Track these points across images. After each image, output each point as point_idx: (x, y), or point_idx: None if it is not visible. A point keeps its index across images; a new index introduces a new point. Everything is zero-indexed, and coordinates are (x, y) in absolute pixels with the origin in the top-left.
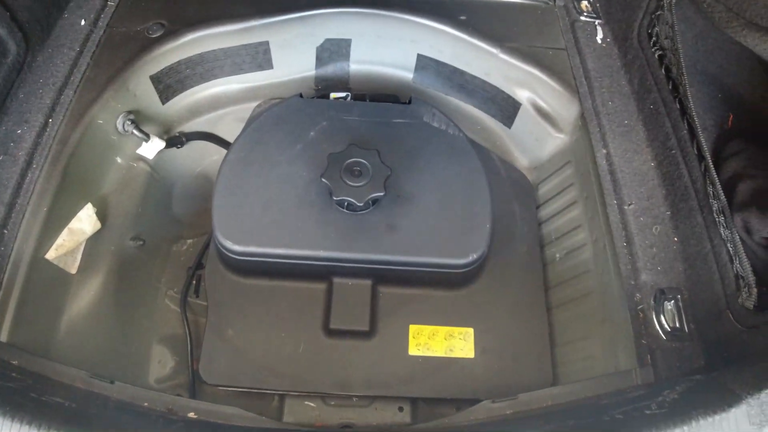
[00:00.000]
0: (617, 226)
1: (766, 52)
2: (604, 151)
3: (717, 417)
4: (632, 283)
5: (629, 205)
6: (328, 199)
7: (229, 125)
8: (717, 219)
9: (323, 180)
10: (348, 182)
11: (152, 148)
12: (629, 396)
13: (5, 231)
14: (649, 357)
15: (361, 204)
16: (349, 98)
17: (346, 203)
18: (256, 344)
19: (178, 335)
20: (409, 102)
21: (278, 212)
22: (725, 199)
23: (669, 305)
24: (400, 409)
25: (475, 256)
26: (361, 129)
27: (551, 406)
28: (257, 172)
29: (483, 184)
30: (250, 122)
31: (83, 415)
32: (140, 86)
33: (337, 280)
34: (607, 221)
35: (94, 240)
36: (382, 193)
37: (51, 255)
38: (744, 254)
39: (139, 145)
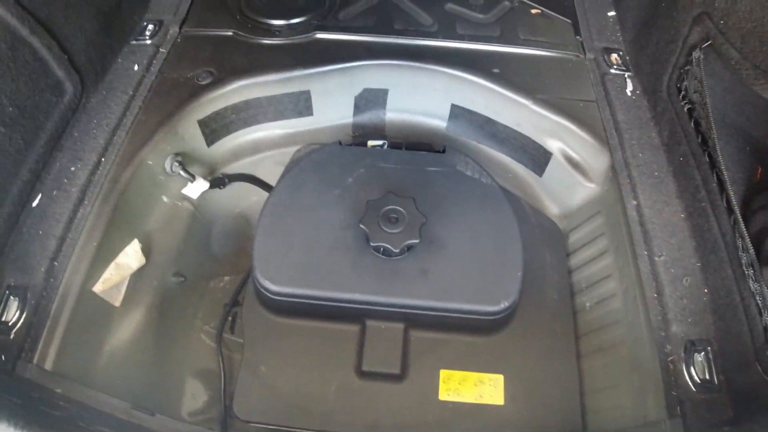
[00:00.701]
0: (648, 276)
1: None
2: (635, 202)
3: None
4: (663, 334)
5: (660, 256)
6: (364, 245)
7: (270, 168)
8: (746, 272)
9: (361, 226)
10: (385, 229)
11: (197, 188)
12: None
13: (56, 263)
14: (678, 408)
15: (397, 250)
16: (385, 146)
17: (382, 249)
18: (289, 382)
19: (212, 370)
20: (443, 151)
21: (316, 255)
22: (754, 252)
23: (699, 357)
24: None
25: (506, 303)
26: (398, 176)
27: None
28: (297, 215)
29: (515, 231)
30: (290, 166)
31: None
32: (188, 130)
33: (370, 322)
34: (638, 271)
35: (138, 275)
36: (417, 241)
37: (98, 288)
38: None
39: (185, 185)
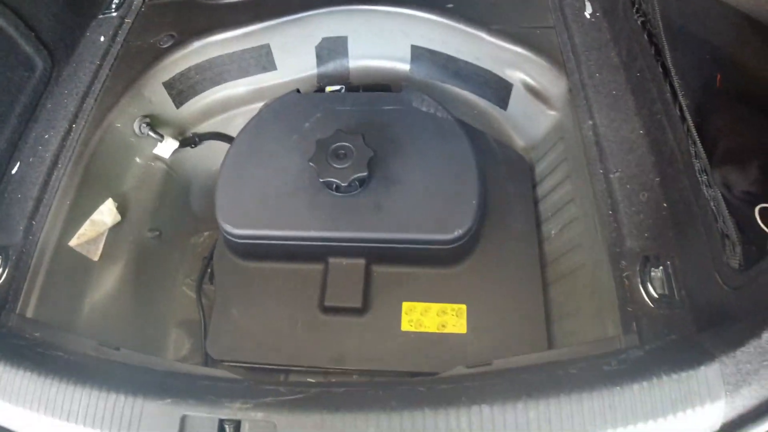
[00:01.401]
0: (602, 194)
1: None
2: (590, 122)
3: (684, 374)
4: (617, 250)
5: (615, 173)
6: (318, 183)
7: (240, 125)
8: (700, 179)
9: (310, 163)
10: (333, 164)
11: (167, 147)
12: (593, 355)
13: (33, 222)
14: (634, 324)
15: (346, 184)
16: (343, 90)
17: (333, 185)
18: (257, 323)
19: (194, 320)
20: (400, 90)
21: (274, 197)
22: (706, 158)
23: (657, 272)
24: None
25: (461, 231)
26: (351, 117)
27: (519, 369)
28: (256, 162)
29: (470, 161)
30: (252, 118)
31: (80, 364)
32: (155, 93)
33: (332, 260)
34: (594, 191)
35: (114, 231)
36: (365, 173)
37: (74, 242)
38: (726, 211)
39: (156, 146)
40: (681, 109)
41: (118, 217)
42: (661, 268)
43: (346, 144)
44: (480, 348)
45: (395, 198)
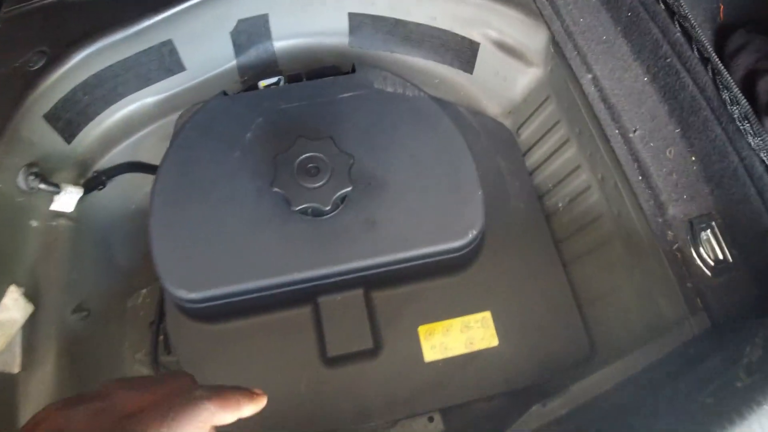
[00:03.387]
0: (626, 159)
1: None
2: (590, 75)
3: None
4: (660, 220)
5: (634, 131)
6: (286, 210)
7: (155, 147)
8: (741, 127)
9: (275, 189)
10: (305, 184)
11: (68, 199)
12: (702, 363)
13: None
14: (699, 300)
15: (328, 207)
16: (282, 83)
17: (310, 210)
18: None
19: None
20: (353, 70)
21: (231, 240)
22: (747, 103)
23: (705, 235)
24: (430, 419)
25: (474, 231)
26: (306, 115)
27: (612, 393)
28: (195, 196)
29: (461, 145)
30: (173, 138)
31: None
32: (36, 131)
33: (322, 299)
34: (613, 155)
35: (30, 326)
36: (349, 188)
37: None
38: None
39: (52, 200)
40: (700, 49)
41: (30, 307)
42: (708, 230)
43: (316, 154)
44: (518, 358)
45: (388, 209)
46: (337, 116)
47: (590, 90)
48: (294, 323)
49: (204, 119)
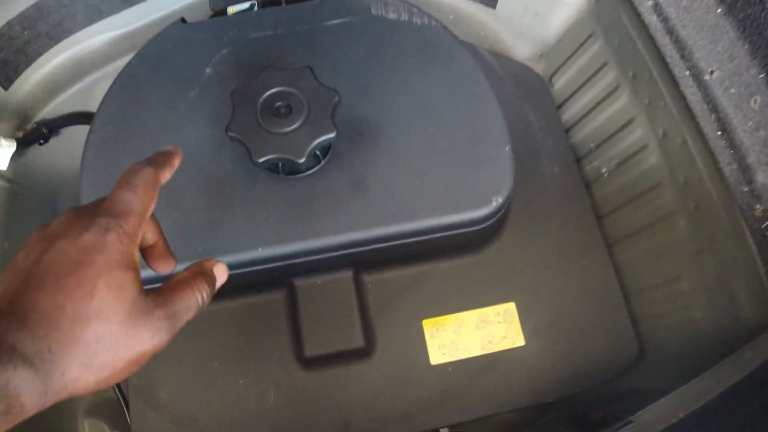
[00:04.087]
0: (701, 107)
1: None
2: (650, 2)
3: None
4: (745, 189)
5: (710, 73)
6: (251, 166)
7: None
8: None
9: (231, 134)
10: (272, 129)
11: (0, 154)
12: None
13: None
14: None
15: (303, 159)
16: (255, 8)
17: (280, 164)
18: (203, 407)
19: (109, 398)
20: None
21: (179, 205)
22: None
23: None
24: None
25: (500, 199)
26: (282, 47)
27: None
28: (136, 149)
29: (483, 87)
30: (117, 77)
31: None
32: None
33: (299, 282)
34: (682, 103)
35: None
36: (332, 134)
37: None
38: None
39: None
40: None
41: None
42: None
43: (287, 89)
44: (549, 363)
45: (385, 166)
46: (322, 48)
47: (652, 20)
48: (261, 312)
49: (155, 51)
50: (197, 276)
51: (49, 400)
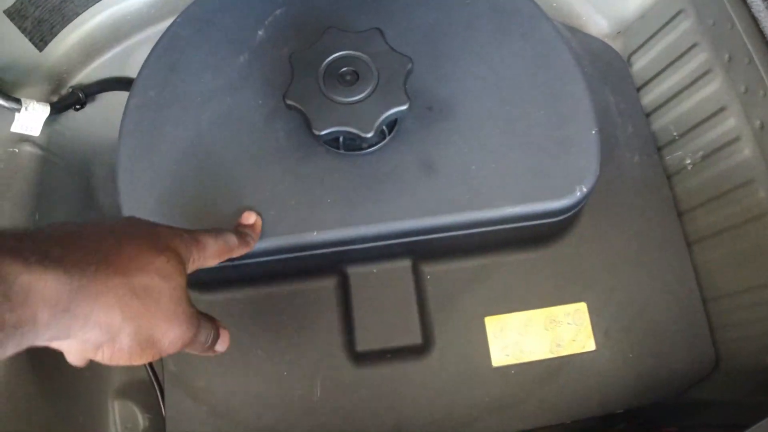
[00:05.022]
0: None
1: None
2: None
3: None
4: None
5: None
6: (308, 138)
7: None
8: None
9: (289, 102)
10: (337, 98)
11: (31, 120)
12: None
13: None
14: None
15: (371, 134)
16: None
17: (341, 138)
18: (243, 398)
19: (140, 379)
20: None
21: (226, 181)
22: None
23: None
24: None
25: (584, 189)
26: (345, 5)
27: None
28: (180, 118)
29: (568, 63)
30: (158, 41)
31: None
32: None
33: (353, 269)
34: None
35: None
36: (405, 106)
37: None
38: None
39: (14, 118)
40: None
41: None
42: None
43: (354, 53)
44: (620, 369)
45: (455, 147)
46: (390, 9)
47: None
48: (310, 300)
49: (200, 12)
50: (216, 329)
51: (62, 330)
